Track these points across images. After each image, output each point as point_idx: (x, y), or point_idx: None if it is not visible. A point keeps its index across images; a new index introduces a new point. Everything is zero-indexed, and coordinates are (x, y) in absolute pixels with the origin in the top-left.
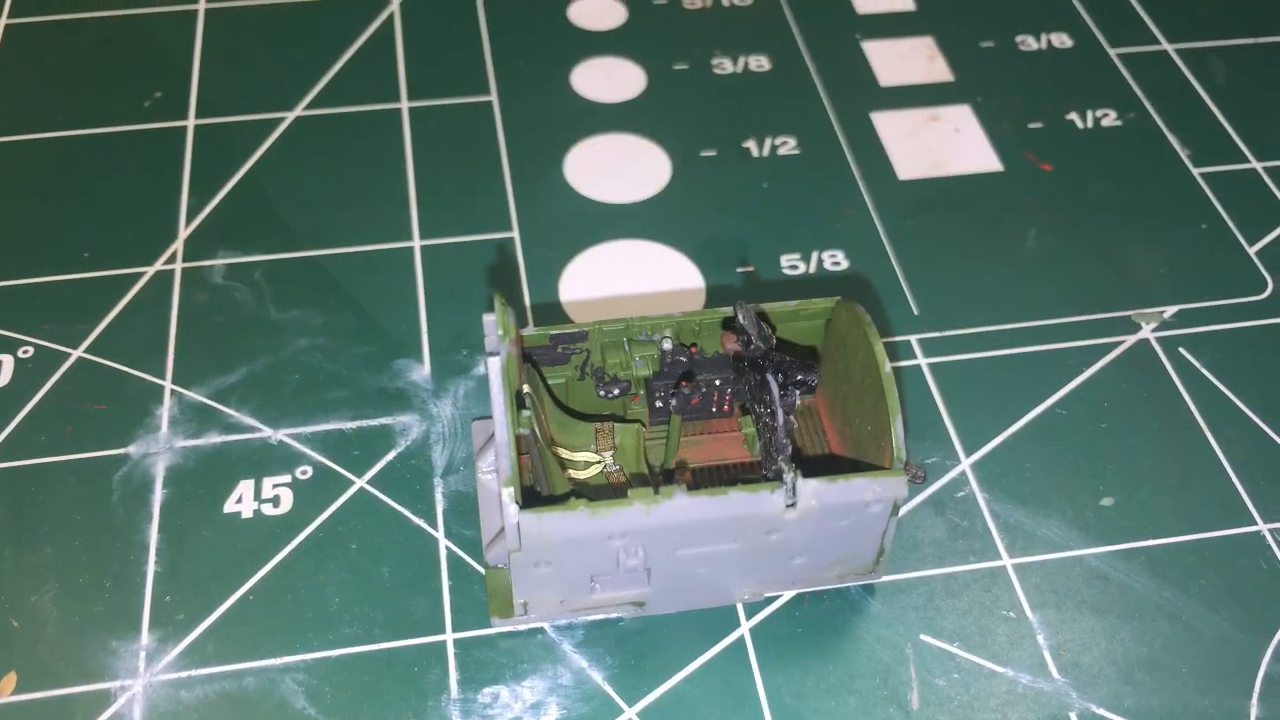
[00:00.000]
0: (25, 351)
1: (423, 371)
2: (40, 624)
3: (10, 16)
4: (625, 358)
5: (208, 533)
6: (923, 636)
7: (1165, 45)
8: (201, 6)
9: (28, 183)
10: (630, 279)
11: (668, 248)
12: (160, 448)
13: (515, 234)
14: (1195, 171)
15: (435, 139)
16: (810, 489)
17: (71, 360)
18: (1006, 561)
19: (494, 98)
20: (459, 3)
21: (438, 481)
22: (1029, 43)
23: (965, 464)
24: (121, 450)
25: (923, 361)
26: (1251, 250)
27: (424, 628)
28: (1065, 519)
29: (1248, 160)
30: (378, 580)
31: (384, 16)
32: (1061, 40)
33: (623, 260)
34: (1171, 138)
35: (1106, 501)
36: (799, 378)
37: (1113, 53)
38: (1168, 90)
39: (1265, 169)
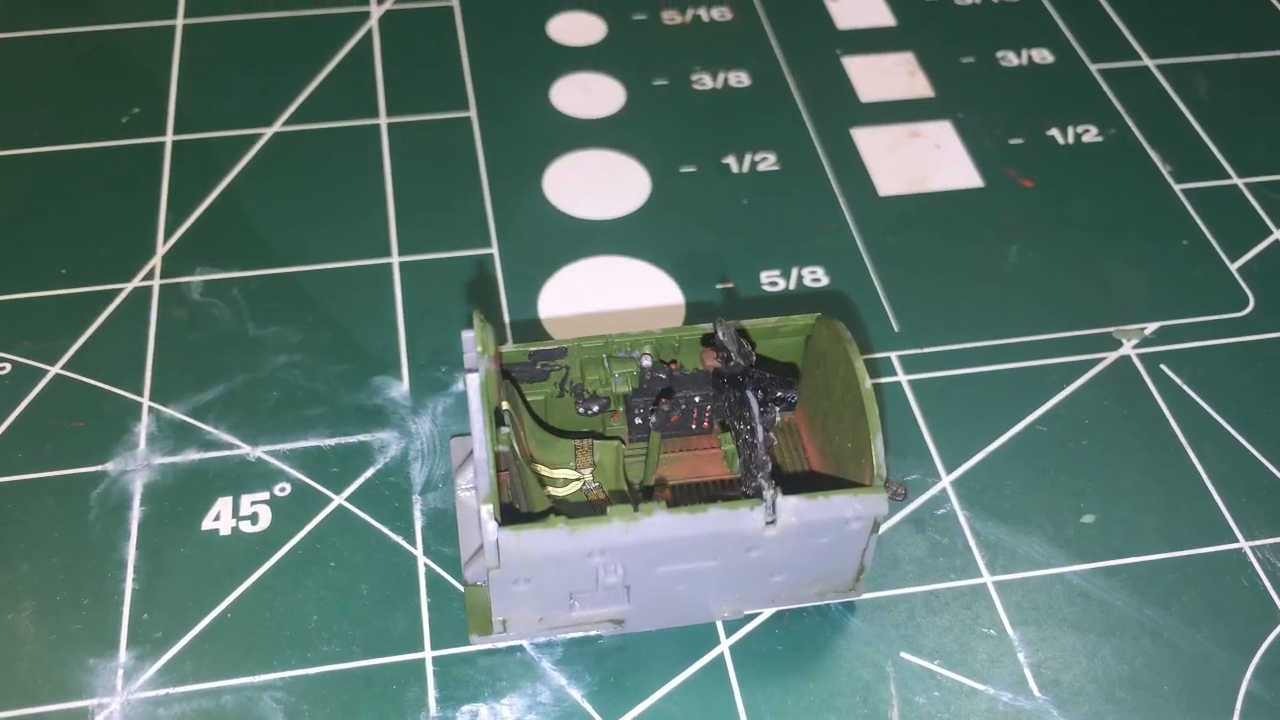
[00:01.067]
0: (2, 368)
1: (401, 388)
2: (17, 642)
3: None
4: (605, 374)
5: (186, 550)
6: (903, 654)
7: (1146, 61)
8: (179, 22)
9: (4, 199)
10: (610, 295)
11: (647, 264)
12: (138, 465)
13: (494, 250)
14: (1177, 188)
15: (414, 155)
16: (790, 506)
17: (49, 377)
18: (987, 579)
19: (473, 113)
20: (438, 18)
21: (416, 499)
22: (1010, 58)
23: (946, 481)
24: (99, 467)
25: (903, 378)
26: (1233, 266)
27: (402, 645)
28: (1046, 536)
29: (1229, 176)
30: (356, 598)
31: (362, 32)
32: (1042, 56)
33: (602, 277)
34: (1153, 154)
35: (1088, 519)
36: (779, 394)
37: (1094, 68)
38: (1149, 106)
39: (1247, 185)
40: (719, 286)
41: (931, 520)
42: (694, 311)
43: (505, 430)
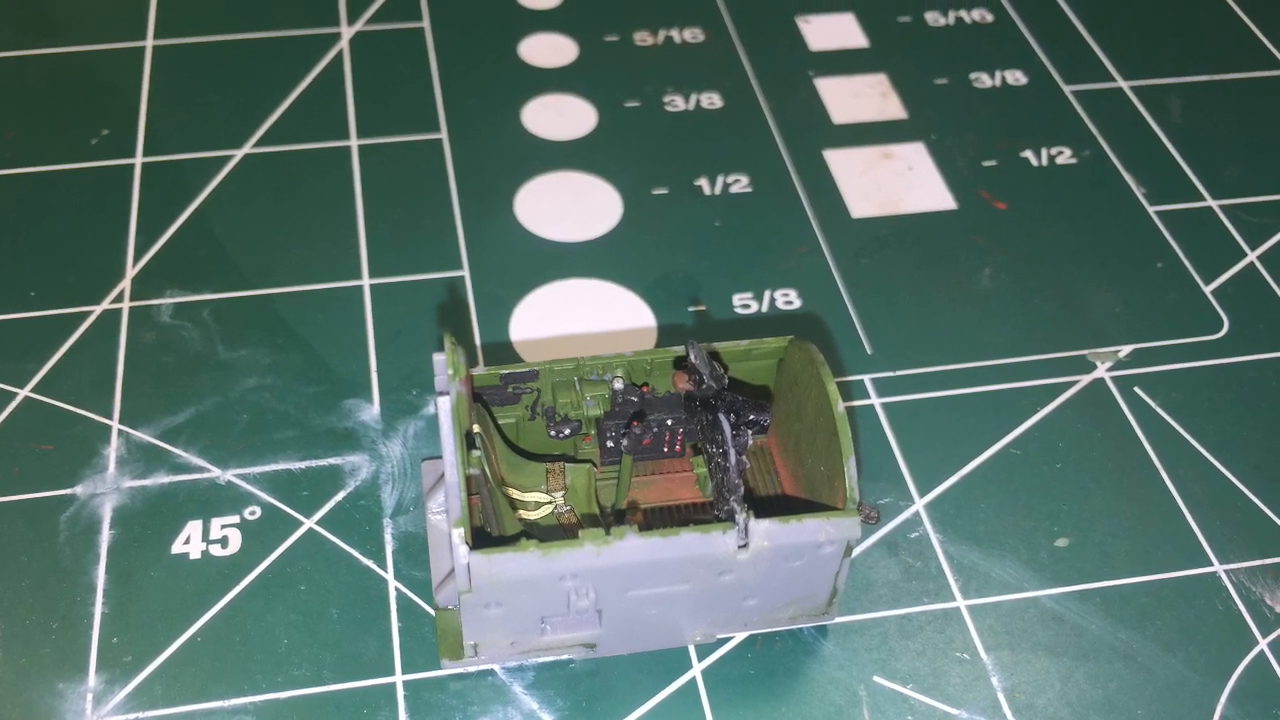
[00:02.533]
0: None
1: (372, 411)
2: None
3: None
4: (576, 397)
5: (155, 574)
6: (876, 678)
7: (1120, 83)
8: (149, 43)
9: None
10: (581, 318)
11: (619, 286)
12: (107, 488)
13: (465, 272)
14: (1151, 210)
15: (385, 177)
16: (763, 529)
17: (18, 400)
18: (960, 603)
19: (444, 135)
20: (408, 40)
21: (387, 522)
22: (983, 80)
23: (919, 504)
24: (69, 490)
25: (876, 401)
26: (1207, 289)
27: (373, 670)
28: (1020, 560)
29: (1203, 198)
30: (327, 622)
31: (333, 53)
32: (1016, 77)
33: (574, 299)
34: (1127, 176)
35: (1061, 542)
36: (751, 417)
37: (1067, 90)
38: (1123, 128)
39: (1221, 207)
40: (691, 310)
41: (905, 544)
42: (666, 334)
43: (476, 453)
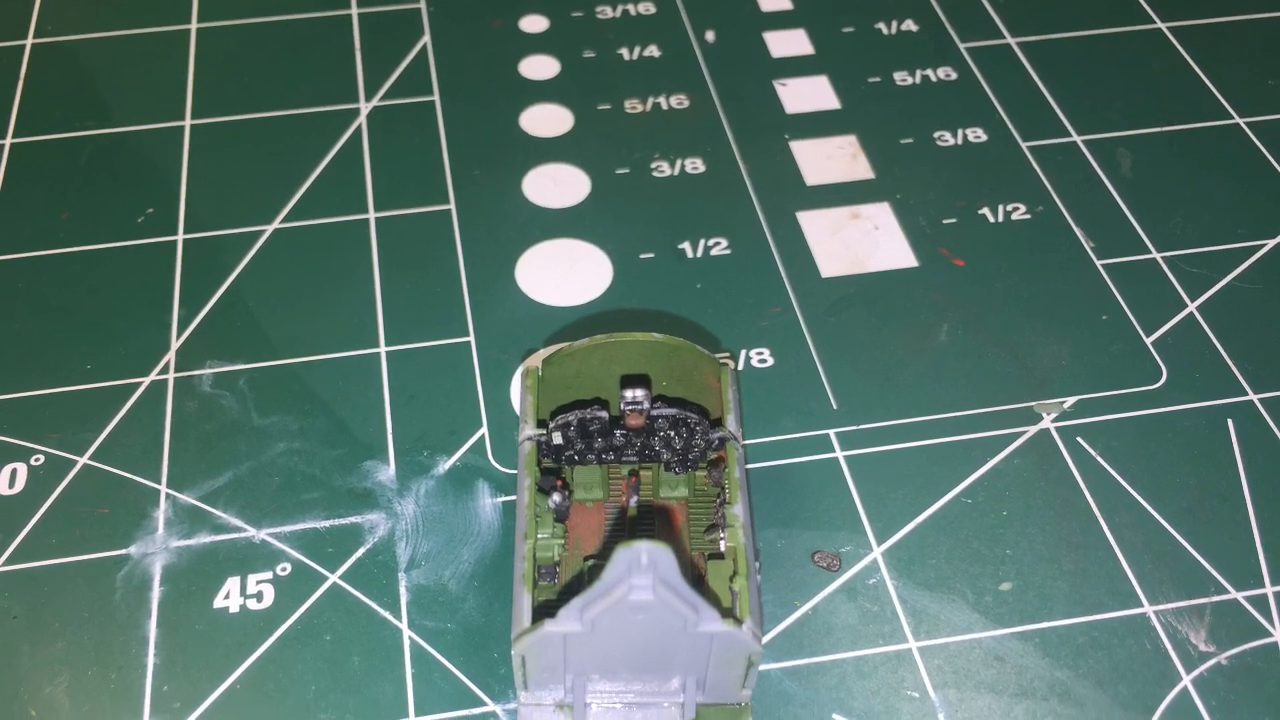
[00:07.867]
0: (37, 460)
1: (388, 472)
2: (55, 713)
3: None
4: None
5: (200, 627)
6: (835, 716)
7: (1075, 137)
8: (188, 122)
9: (34, 299)
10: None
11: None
12: (157, 548)
13: (471, 338)
14: (1098, 263)
15: (399, 248)
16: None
17: (78, 467)
18: (912, 644)
19: (452, 206)
20: (421, 113)
21: (401, 576)
22: (946, 138)
23: (877, 552)
24: (123, 551)
25: (840, 454)
26: (1148, 340)
27: (390, 713)
28: (967, 603)
29: (1149, 250)
30: (349, 669)
31: (353, 128)
32: (976, 134)
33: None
34: (1077, 230)
35: (1005, 586)
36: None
37: (1025, 145)
38: (1075, 182)
39: (1164, 258)
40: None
41: (863, 589)
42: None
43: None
